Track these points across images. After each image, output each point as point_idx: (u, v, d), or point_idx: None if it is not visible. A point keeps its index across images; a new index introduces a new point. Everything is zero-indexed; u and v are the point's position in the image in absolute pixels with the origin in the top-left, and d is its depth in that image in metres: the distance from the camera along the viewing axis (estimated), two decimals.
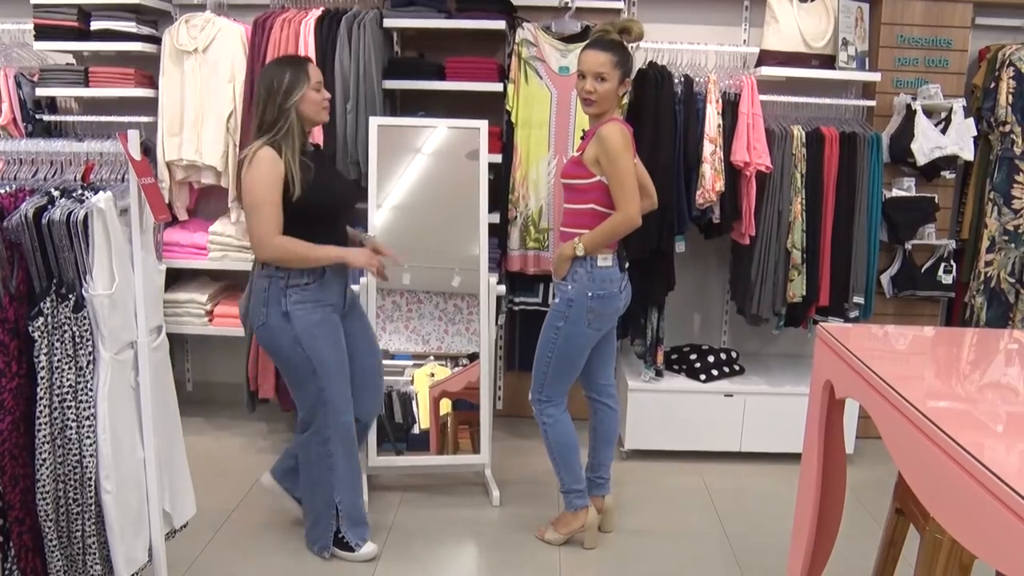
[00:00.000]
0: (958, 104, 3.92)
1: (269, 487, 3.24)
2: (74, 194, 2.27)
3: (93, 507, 2.29)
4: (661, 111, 3.73)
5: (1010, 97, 3.94)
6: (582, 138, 3.04)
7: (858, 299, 3.93)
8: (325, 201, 2.85)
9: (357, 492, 3.09)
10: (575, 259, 2.94)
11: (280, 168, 2.75)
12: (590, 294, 2.95)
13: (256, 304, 2.87)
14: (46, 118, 4.17)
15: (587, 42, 2.95)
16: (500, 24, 3.88)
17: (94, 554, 2.31)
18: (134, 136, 2.33)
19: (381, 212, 3.58)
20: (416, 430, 3.62)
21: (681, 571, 3.08)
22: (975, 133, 3.92)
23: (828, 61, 3.98)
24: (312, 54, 3.74)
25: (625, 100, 3.88)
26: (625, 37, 2.96)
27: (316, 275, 2.84)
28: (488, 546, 3.22)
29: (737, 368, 4.13)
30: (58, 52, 4.22)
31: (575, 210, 2.98)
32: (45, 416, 2.22)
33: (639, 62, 4.00)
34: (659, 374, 4.02)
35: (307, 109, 2.81)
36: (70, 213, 2.19)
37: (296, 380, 2.93)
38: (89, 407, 2.25)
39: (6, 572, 2.28)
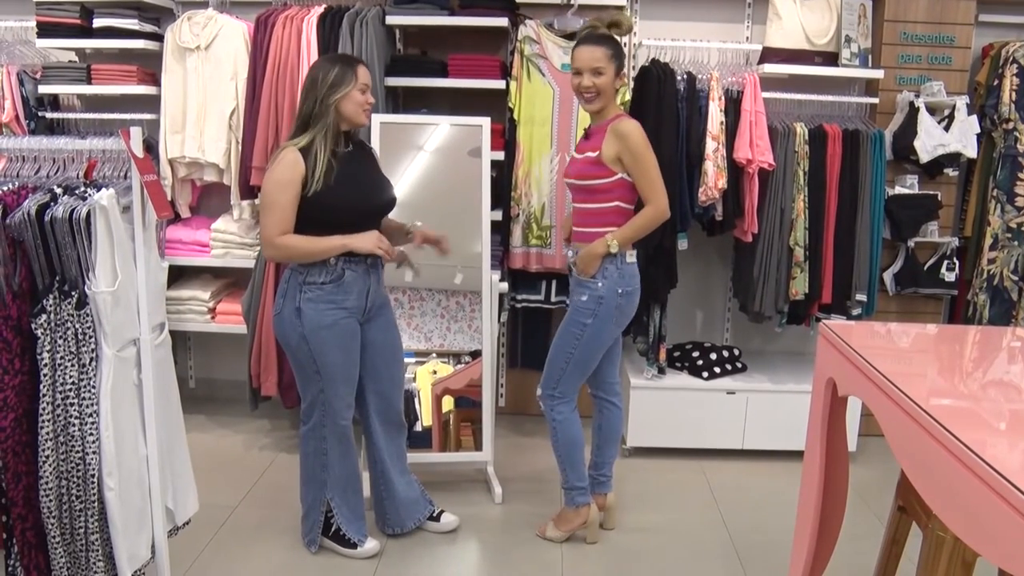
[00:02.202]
0: (961, 101, 3.91)
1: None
2: (77, 191, 2.27)
3: (96, 504, 2.29)
4: (664, 108, 3.72)
5: (1014, 94, 3.93)
6: (586, 137, 3.01)
7: (861, 297, 3.92)
8: (341, 204, 2.80)
9: (353, 491, 3.09)
10: (605, 256, 2.94)
11: (300, 170, 2.74)
12: (620, 291, 2.97)
13: (277, 294, 2.92)
14: (49, 115, 4.17)
15: (578, 39, 2.94)
16: (502, 21, 3.88)
17: (97, 551, 2.32)
18: (136, 133, 2.33)
19: None
20: (418, 427, 3.62)
21: (683, 568, 3.08)
22: (978, 130, 3.92)
23: (831, 58, 3.98)
24: (314, 52, 3.74)
25: (627, 96, 3.88)
26: (615, 31, 2.95)
27: (334, 276, 2.83)
28: (490, 543, 3.23)
29: (739, 366, 4.13)
30: (61, 49, 4.23)
31: (596, 209, 2.96)
32: (48, 413, 2.22)
33: (642, 59, 4.00)
34: (661, 371, 4.02)
35: (348, 108, 2.80)
36: (73, 210, 2.20)
37: (300, 374, 2.94)
38: (92, 404, 2.26)
39: (9, 569, 2.28)
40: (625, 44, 4.13)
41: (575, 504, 3.18)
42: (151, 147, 3.98)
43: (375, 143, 3.55)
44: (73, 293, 2.22)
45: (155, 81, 4.12)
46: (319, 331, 2.83)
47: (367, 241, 2.83)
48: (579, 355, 3.02)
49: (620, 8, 4.01)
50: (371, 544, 3.08)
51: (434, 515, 3.27)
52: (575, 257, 3.01)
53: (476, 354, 3.69)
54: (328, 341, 2.85)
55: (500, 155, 3.91)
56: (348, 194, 2.81)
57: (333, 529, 3.08)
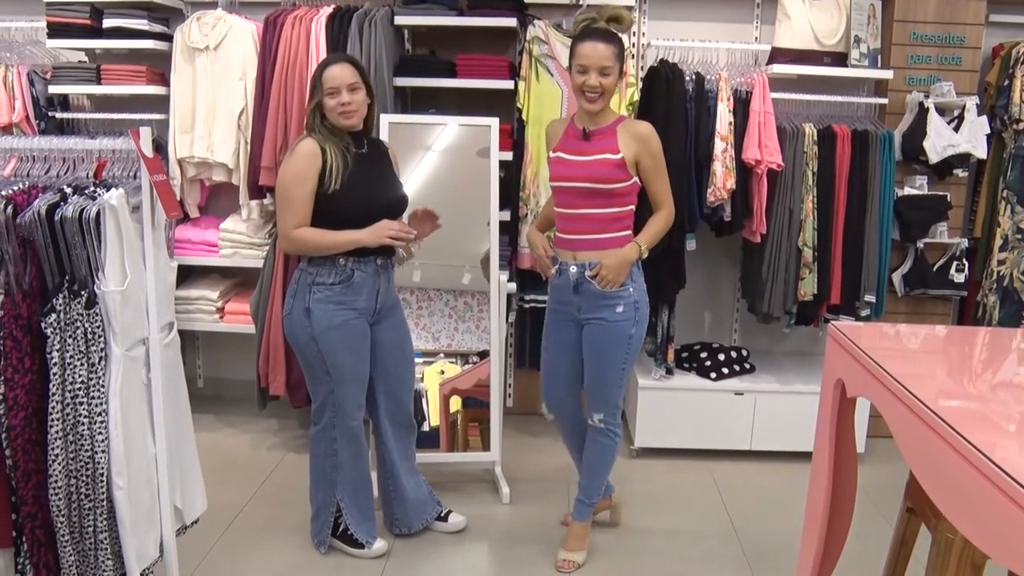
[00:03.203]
0: (971, 102, 3.90)
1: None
2: (86, 191, 2.28)
3: (105, 503, 2.30)
4: (672, 109, 3.72)
5: None
6: (585, 138, 2.84)
7: (870, 298, 3.91)
8: (351, 206, 2.81)
9: (364, 491, 3.10)
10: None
11: (316, 164, 2.76)
12: (644, 289, 2.94)
13: (287, 294, 2.92)
14: (59, 115, 4.19)
15: (581, 33, 2.77)
16: (511, 22, 3.88)
17: (106, 549, 2.32)
18: (146, 133, 2.34)
19: None
20: (426, 427, 3.62)
21: (691, 569, 3.08)
22: (988, 131, 3.90)
23: (840, 59, 3.97)
24: (323, 52, 3.75)
25: (636, 97, 3.87)
26: (615, 26, 2.81)
27: (344, 276, 2.84)
28: (498, 543, 3.23)
29: (748, 366, 4.12)
30: (71, 50, 4.25)
31: (616, 214, 2.84)
32: (57, 412, 2.23)
33: (650, 60, 4.00)
34: (670, 372, 4.01)
35: (327, 114, 2.82)
36: (83, 210, 2.20)
37: (310, 374, 2.95)
38: (101, 403, 2.27)
39: (19, 566, 2.29)
40: (632, 44, 4.14)
41: (589, 518, 3.15)
42: (160, 147, 3.99)
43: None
44: (83, 292, 2.23)
45: (164, 81, 4.13)
46: (329, 332, 2.83)
47: (375, 233, 2.82)
48: (629, 366, 2.96)
49: (628, 9, 4.01)
50: (379, 544, 3.09)
51: (442, 515, 3.27)
52: (595, 269, 2.82)
53: (484, 354, 3.69)
54: (338, 342, 2.85)
55: (508, 155, 3.91)
56: (358, 196, 2.82)
57: (341, 529, 3.09)
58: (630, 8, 3.97)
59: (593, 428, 3.01)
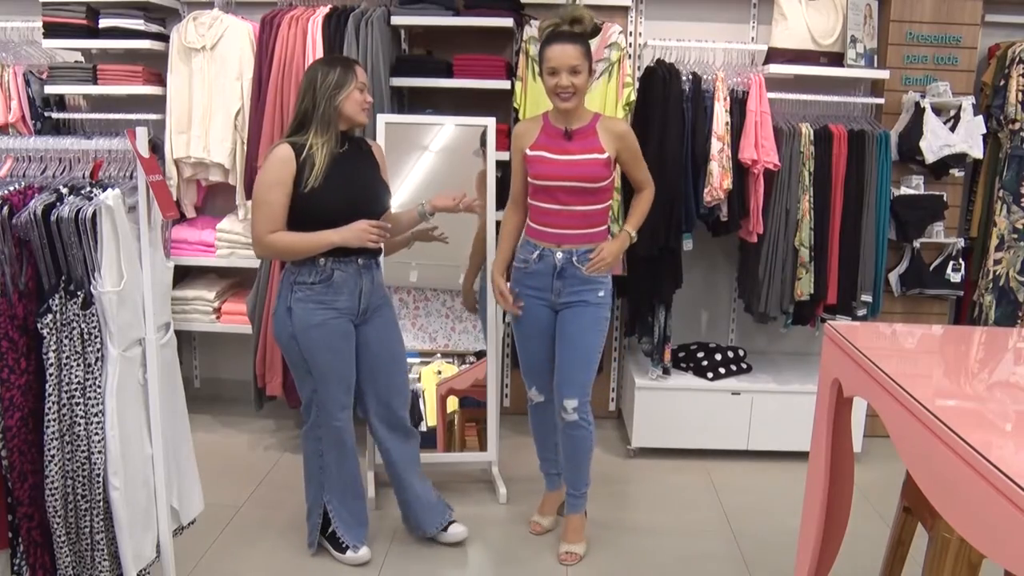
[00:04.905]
0: (967, 102, 3.90)
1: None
2: (83, 191, 2.28)
3: (101, 503, 2.30)
4: (669, 109, 3.72)
5: (1020, 95, 3.92)
6: (568, 138, 2.90)
7: (866, 297, 3.92)
8: (329, 206, 2.79)
9: (352, 494, 3.07)
10: None
11: (290, 168, 2.76)
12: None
13: (276, 292, 2.94)
14: (55, 115, 4.18)
15: (547, 37, 2.87)
16: (508, 22, 3.88)
17: (102, 550, 2.32)
18: (142, 133, 2.34)
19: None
20: (423, 427, 3.62)
21: (688, 569, 3.08)
22: (984, 131, 3.91)
23: (836, 58, 3.97)
24: (320, 52, 3.75)
25: (632, 97, 3.87)
26: (578, 27, 2.88)
27: (323, 276, 2.83)
28: (495, 543, 3.23)
29: (744, 366, 4.12)
30: (67, 50, 4.24)
31: (599, 210, 2.94)
32: (54, 413, 2.23)
33: (647, 60, 4.00)
34: (666, 372, 4.01)
35: (349, 108, 2.82)
36: (79, 210, 2.20)
37: (295, 373, 2.97)
38: (97, 404, 2.26)
39: (15, 568, 2.29)
40: (629, 44, 4.14)
41: (583, 508, 3.18)
42: (156, 147, 3.98)
43: (380, 144, 3.55)
44: (79, 293, 2.23)
45: (161, 81, 4.12)
46: (308, 330, 2.84)
47: (352, 233, 2.80)
48: (601, 350, 3.04)
49: (624, 9, 4.02)
50: (363, 552, 3.03)
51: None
52: (595, 254, 2.91)
53: (481, 354, 3.69)
54: (317, 341, 2.85)
55: (505, 155, 3.90)
56: (336, 197, 2.80)
57: (331, 529, 3.08)
58: (626, 9, 4.00)
59: (566, 422, 3.02)
